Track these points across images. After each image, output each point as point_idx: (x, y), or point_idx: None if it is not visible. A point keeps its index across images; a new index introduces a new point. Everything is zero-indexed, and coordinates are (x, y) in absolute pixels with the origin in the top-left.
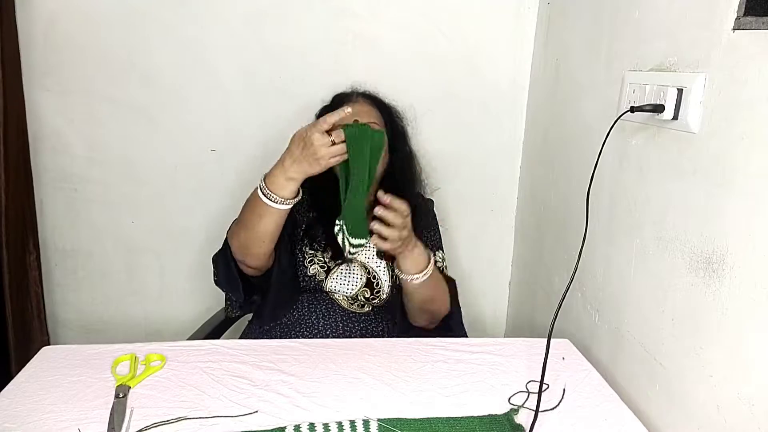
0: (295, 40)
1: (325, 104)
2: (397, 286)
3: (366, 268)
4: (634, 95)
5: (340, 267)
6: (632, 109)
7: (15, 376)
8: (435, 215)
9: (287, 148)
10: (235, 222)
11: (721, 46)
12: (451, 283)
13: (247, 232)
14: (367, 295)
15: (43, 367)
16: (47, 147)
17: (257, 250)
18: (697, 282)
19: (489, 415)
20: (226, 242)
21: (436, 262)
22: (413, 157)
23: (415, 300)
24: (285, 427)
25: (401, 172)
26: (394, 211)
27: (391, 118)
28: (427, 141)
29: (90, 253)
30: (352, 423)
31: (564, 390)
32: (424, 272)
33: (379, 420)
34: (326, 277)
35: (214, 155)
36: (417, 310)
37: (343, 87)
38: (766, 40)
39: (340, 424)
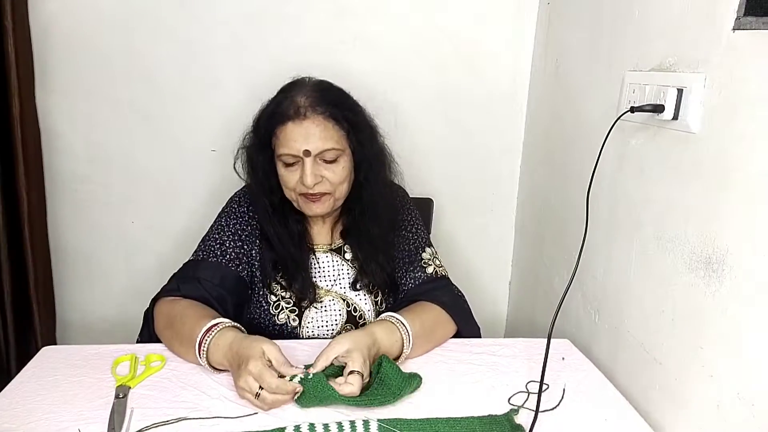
0: (295, 40)
1: (264, 103)
2: (382, 312)
3: (344, 300)
4: (634, 95)
5: (313, 307)
6: (632, 109)
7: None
8: (413, 208)
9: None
10: (163, 307)
11: (721, 46)
12: (447, 296)
13: (177, 345)
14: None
15: (43, 367)
16: (48, 147)
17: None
18: (697, 282)
19: (489, 415)
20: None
21: (422, 260)
22: (382, 158)
23: (421, 352)
24: (285, 428)
25: (366, 182)
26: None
27: (351, 122)
28: (427, 141)
29: (90, 253)
30: (352, 423)
31: (564, 390)
32: (405, 351)
33: (378, 420)
34: (300, 323)
35: (214, 155)
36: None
37: (342, 86)
38: (766, 40)
39: (340, 424)
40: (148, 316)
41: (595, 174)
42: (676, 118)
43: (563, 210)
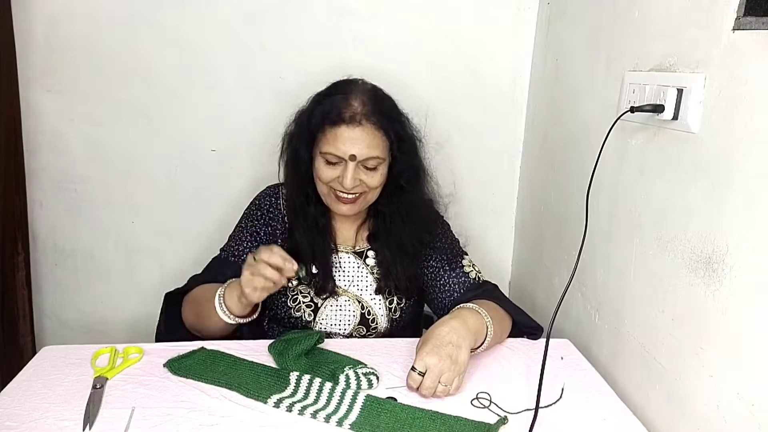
0: (295, 40)
1: (319, 91)
2: (396, 319)
3: (359, 302)
4: (634, 95)
5: (329, 303)
6: (632, 110)
7: None
8: (444, 221)
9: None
10: (188, 296)
11: (721, 46)
12: (498, 293)
13: (197, 323)
14: (362, 333)
15: (43, 366)
16: (47, 147)
17: (206, 337)
18: (697, 282)
19: (473, 420)
20: (176, 305)
21: (464, 267)
22: (421, 171)
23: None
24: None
25: (406, 188)
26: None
27: (398, 134)
28: (427, 141)
29: (90, 253)
30: (343, 391)
31: (562, 389)
32: (486, 339)
33: (366, 395)
34: (315, 318)
35: (214, 155)
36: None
37: None
38: (766, 40)
39: (333, 386)
40: (166, 307)
41: (594, 174)
42: (676, 118)
43: (563, 210)
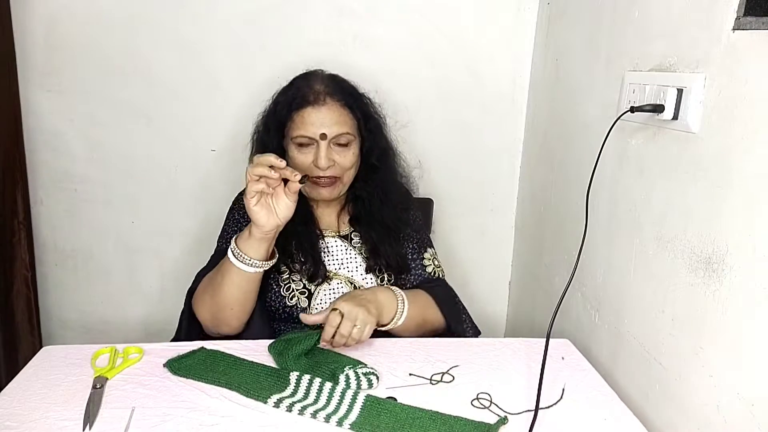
0: (295, 40)
1: (283, 85)
2: None
3: (351, 284)
4: (634, 95)
5: (322, 288)
6: (632, 109)
7: (5, 377)
8: (419, 215)
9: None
10: (198, 292)
11: (721, 46)
12: (441, 291)
13: (213, 305)
14: None
15: (43, 366)
16: (47, 147)
17: (225, 316)
18: (697, 282)
19: (473, 420)
20: (190, 312)
21: (423, 259)
22: (390, 150)
23: (406, 334)
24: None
25: (379, 167)
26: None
27: (363, 112)
28: (427, 141)
29: (90, 253)
30: (343, 391)
31: (563, 390)
32: (396, 316)
33: (366, 396)
34: (309, 304)
35: (214, 155)
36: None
37: None
38: (766, 40)
39: (333, 388)
40: (184, 315)
41: (594, 174)
42: (676, 118)
43: (563, 210)
